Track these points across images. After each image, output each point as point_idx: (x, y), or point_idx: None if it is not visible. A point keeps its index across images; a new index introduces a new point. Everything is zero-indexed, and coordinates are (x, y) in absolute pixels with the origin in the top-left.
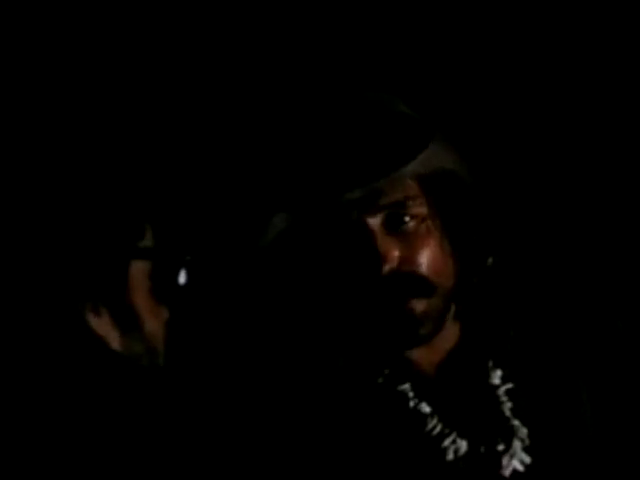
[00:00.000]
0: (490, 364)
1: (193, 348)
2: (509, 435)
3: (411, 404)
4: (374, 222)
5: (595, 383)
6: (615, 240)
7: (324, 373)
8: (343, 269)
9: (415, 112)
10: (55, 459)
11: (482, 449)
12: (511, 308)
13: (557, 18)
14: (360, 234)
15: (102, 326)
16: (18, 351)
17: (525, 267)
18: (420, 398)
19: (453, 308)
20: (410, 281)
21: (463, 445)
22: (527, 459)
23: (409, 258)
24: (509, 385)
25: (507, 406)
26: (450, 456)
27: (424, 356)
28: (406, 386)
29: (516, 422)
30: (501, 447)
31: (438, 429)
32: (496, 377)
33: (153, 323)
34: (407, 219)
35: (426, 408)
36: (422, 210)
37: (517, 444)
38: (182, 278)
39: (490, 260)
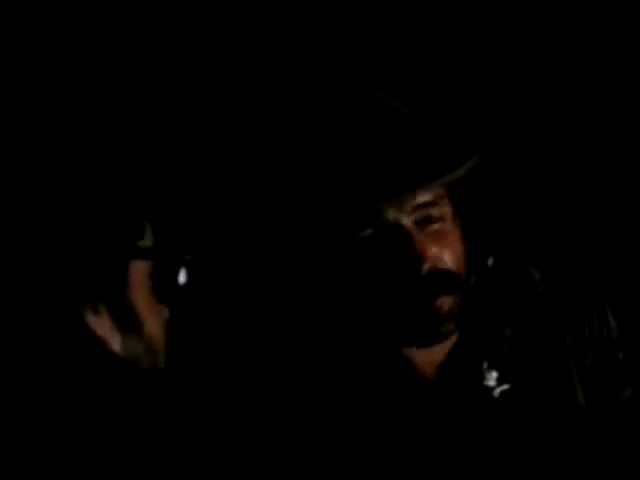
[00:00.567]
0: (485, 366)
1: (193, 348)
2: (505, 437)
3: (410, 406)
4: (408, 222)
5: (592, 383)
6: (612, 239)
7: (325, 373)
8: (382, 269)
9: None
10: (55, 459)
11: (480, 451)
12: (507, 308)
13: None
14: (398, 234)
15: (101, 326)
16: (18, 351)
17: (522, 268)
18: (419, 400)
19: None
20: (441, 279)
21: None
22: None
23: (440, 256)
24: (504, 387)
25: (502, 408)
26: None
27: (424, 357)
28: (405, 388)
29: (511, 423)
30: (499, 448)
31: (437, 431)
32: (491, 379)
33: (153, 323)
34: (436, 219)
35: (425, 410)
36: (448, 209)
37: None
38: (182, 278)
39: (491, 261)
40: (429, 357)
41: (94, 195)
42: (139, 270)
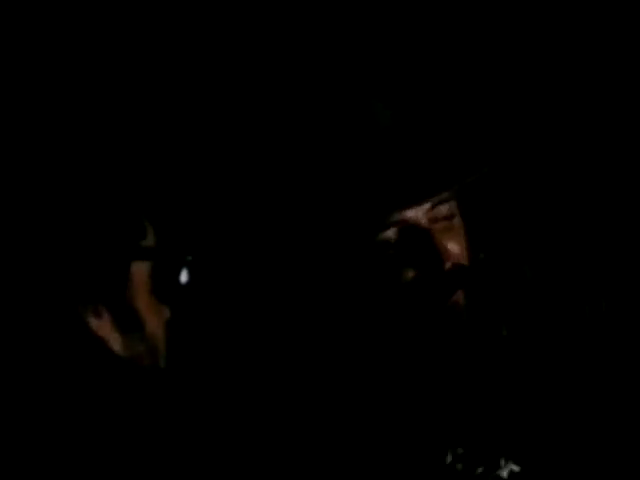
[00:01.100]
0: (483, 366)
1: (194, 348)
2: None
3: (410, 405)
4: (426, 221)
5: (590, 382)
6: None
7: (326, 375)
8: (404, 268)
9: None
10: (55, 460)
11: (480, 451)
12: (505, 308)
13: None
14: (419, 234)
15: (103, 326)
16: (18, 352)
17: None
18: (419, 399)
19: None
20: (459, 274)
21: (461, 448)
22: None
23: (456, 252)
24: (503, 388)
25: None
26: (449, 459)
27: (424, 356)
28: (406, 387)
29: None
30: (498, 449)
31: (437, 431)
32: (490, 379)
33: (154, 323)
34: (447, 216)
35: (425, 410)
36: (454, 205)
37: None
38: (183, 278)
39: (482, 255)
40: (429, 357)
41: (96, 195)
42: (140, 270)
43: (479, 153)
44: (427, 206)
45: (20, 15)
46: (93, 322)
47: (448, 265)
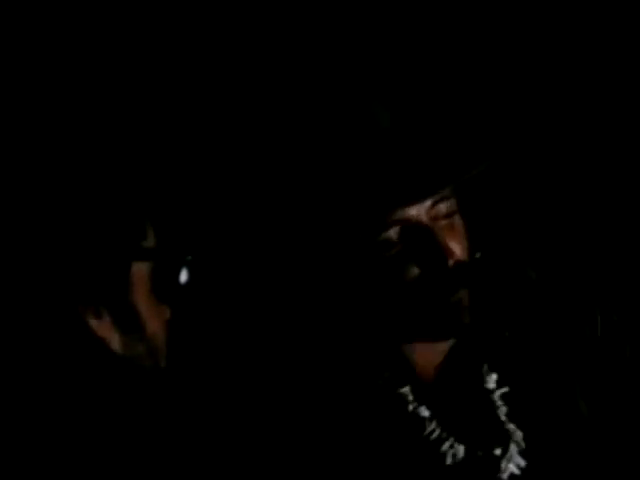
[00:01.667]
0: (485, 368)
1: (195, 348)
2: (505, 439)
3: (410, 407)
4: (427, 219)
5: (591, 383)
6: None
7: (326, 375)
8: (407, 266)
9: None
10: (56, 460)
11: (479, 453)
12: (505, 311)
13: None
14: (421, 232)
15: (103, 327)
16: (18, 352)
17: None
18: (419, 401)
19: None
20: (462, 271)
21: (461, 450)
22: (523, 462)
23: (458, 250)
24: (504, 389)
25: (502, 410)
26: (449, 460)
27: (425, 358)
28: (406, 389)
29: (511, 426)
30: (498, 451)
31: (436, 433)
32: (491, 381)
33: (154, 323)
34: (447, 213)
35: (425, 412)
36: (454, 203)
37: (513, 448)
38: (184, 278)
39: (478, 254)
40: (430, 358)
41: (96, 196)
42: (141, 270)
43: (478, 151)
44: (428, 204)
45: (20, 15)
46: (93, 322)
47: (451, 263)
